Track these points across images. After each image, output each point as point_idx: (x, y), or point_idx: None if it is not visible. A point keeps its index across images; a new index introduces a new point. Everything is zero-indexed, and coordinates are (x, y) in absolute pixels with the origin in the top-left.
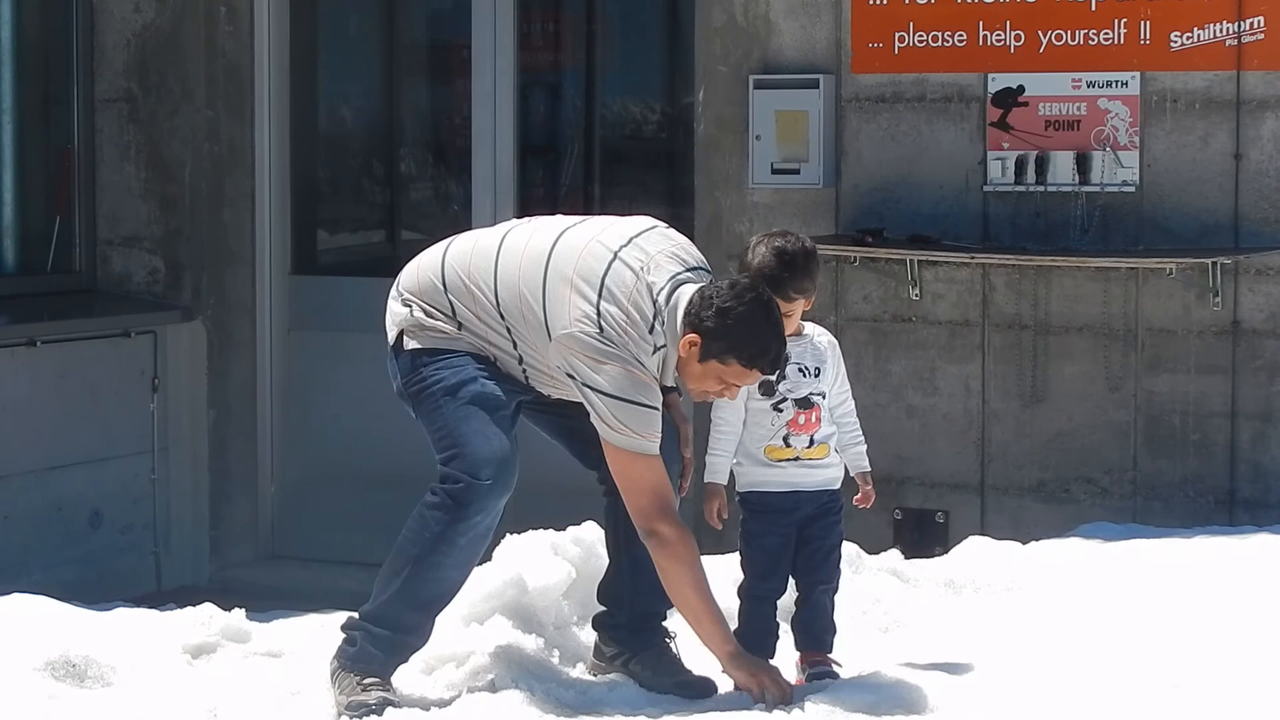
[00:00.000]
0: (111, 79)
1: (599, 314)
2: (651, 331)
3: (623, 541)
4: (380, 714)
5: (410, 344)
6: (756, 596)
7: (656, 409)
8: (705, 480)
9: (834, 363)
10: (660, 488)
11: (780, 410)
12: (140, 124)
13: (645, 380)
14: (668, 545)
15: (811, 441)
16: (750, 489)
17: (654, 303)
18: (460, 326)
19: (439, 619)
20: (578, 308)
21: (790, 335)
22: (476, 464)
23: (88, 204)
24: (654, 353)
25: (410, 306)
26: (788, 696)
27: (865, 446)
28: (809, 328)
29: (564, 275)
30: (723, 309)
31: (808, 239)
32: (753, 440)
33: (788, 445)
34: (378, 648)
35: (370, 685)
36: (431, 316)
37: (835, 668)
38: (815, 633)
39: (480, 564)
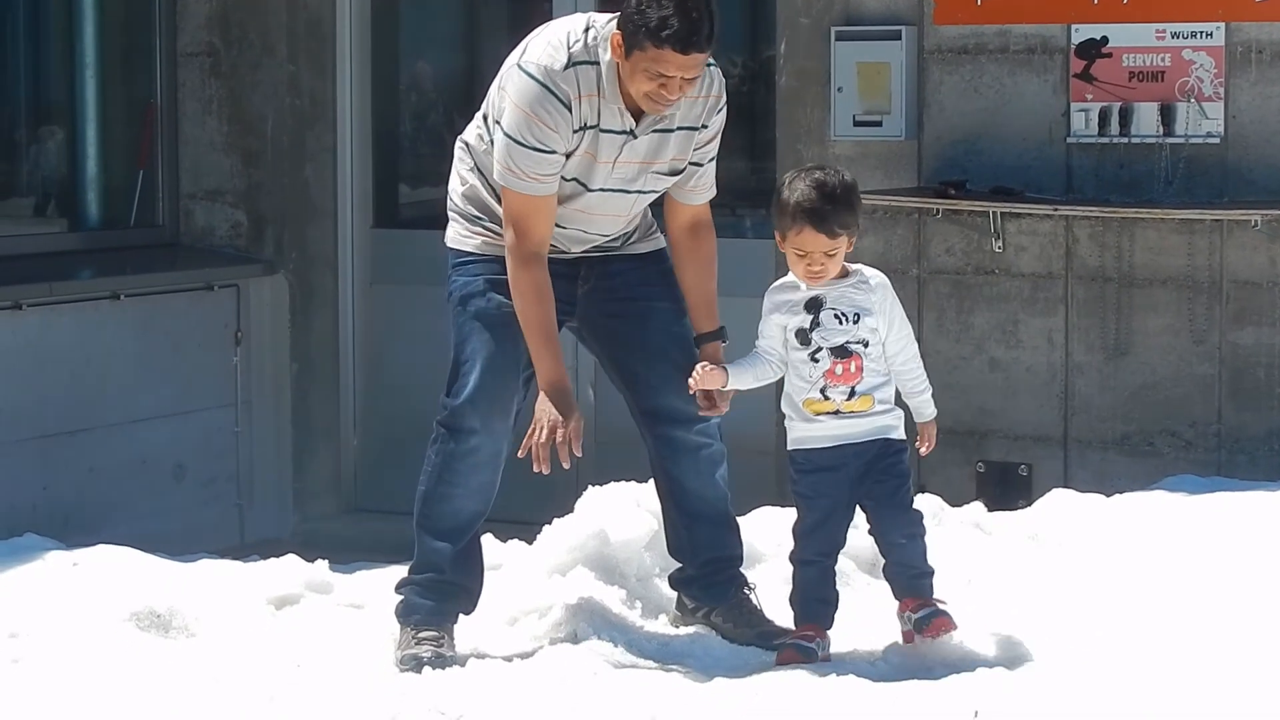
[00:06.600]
0: (193, 32)
1: (529, 44)
2: (575, 45)
3: (665, 490)
4: (437, 666)
5: (448, 241)
6: (802, 560)
7: (547, 150)
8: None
9: (885, 308)
10: (522, 224)
11: (816, 360)
12: (222, 78)
13: (545, 126)
14: (510, 275)
15: (852, 393)
16: (797, 447)
17: (587, 26)
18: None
19: (520, 570)
20: (515, 53)
21: (834, 279)
22: (459, 387)
23: (170, 158)
24: (569, 66)
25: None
26: (554, 455)
27: (930, 392)
28: (856, 270)
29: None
30: None
31: (847, 172)
32: (795, 391)
33: (825, 398)
34: (424, 596)
35: (424, 639)
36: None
37: (940, 605)
38: (908, 579)
39: (562, 516)
